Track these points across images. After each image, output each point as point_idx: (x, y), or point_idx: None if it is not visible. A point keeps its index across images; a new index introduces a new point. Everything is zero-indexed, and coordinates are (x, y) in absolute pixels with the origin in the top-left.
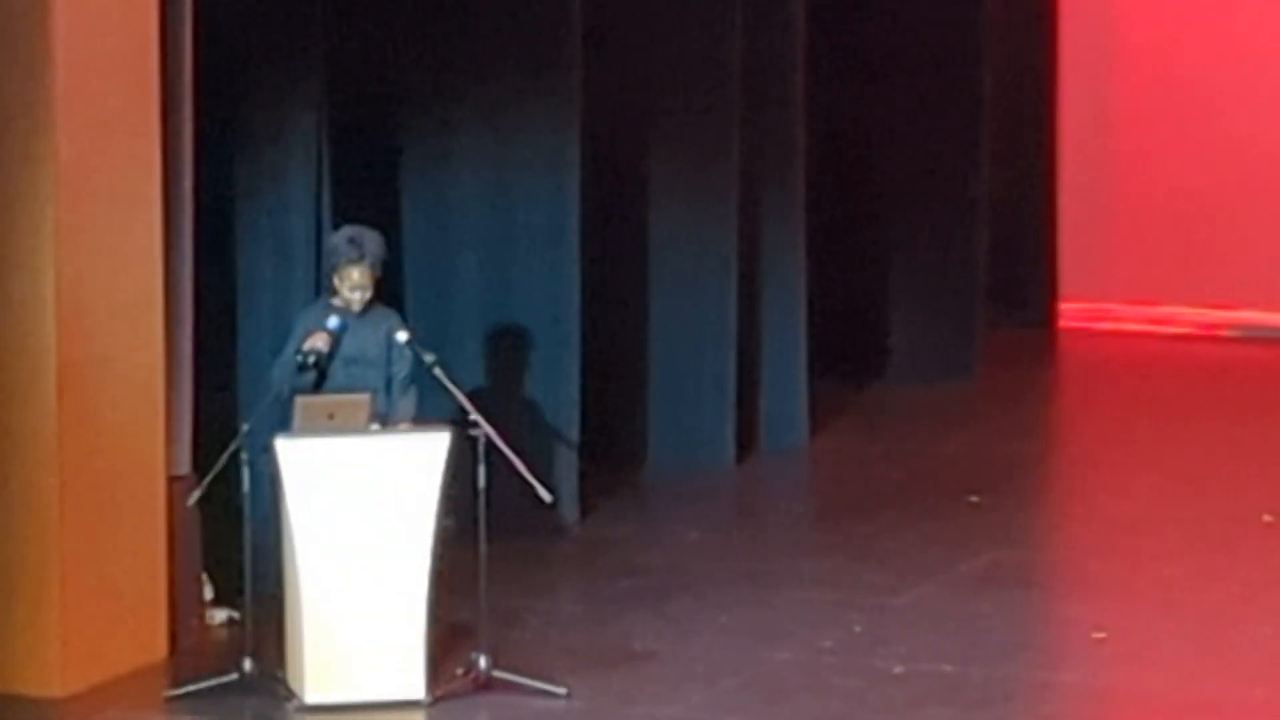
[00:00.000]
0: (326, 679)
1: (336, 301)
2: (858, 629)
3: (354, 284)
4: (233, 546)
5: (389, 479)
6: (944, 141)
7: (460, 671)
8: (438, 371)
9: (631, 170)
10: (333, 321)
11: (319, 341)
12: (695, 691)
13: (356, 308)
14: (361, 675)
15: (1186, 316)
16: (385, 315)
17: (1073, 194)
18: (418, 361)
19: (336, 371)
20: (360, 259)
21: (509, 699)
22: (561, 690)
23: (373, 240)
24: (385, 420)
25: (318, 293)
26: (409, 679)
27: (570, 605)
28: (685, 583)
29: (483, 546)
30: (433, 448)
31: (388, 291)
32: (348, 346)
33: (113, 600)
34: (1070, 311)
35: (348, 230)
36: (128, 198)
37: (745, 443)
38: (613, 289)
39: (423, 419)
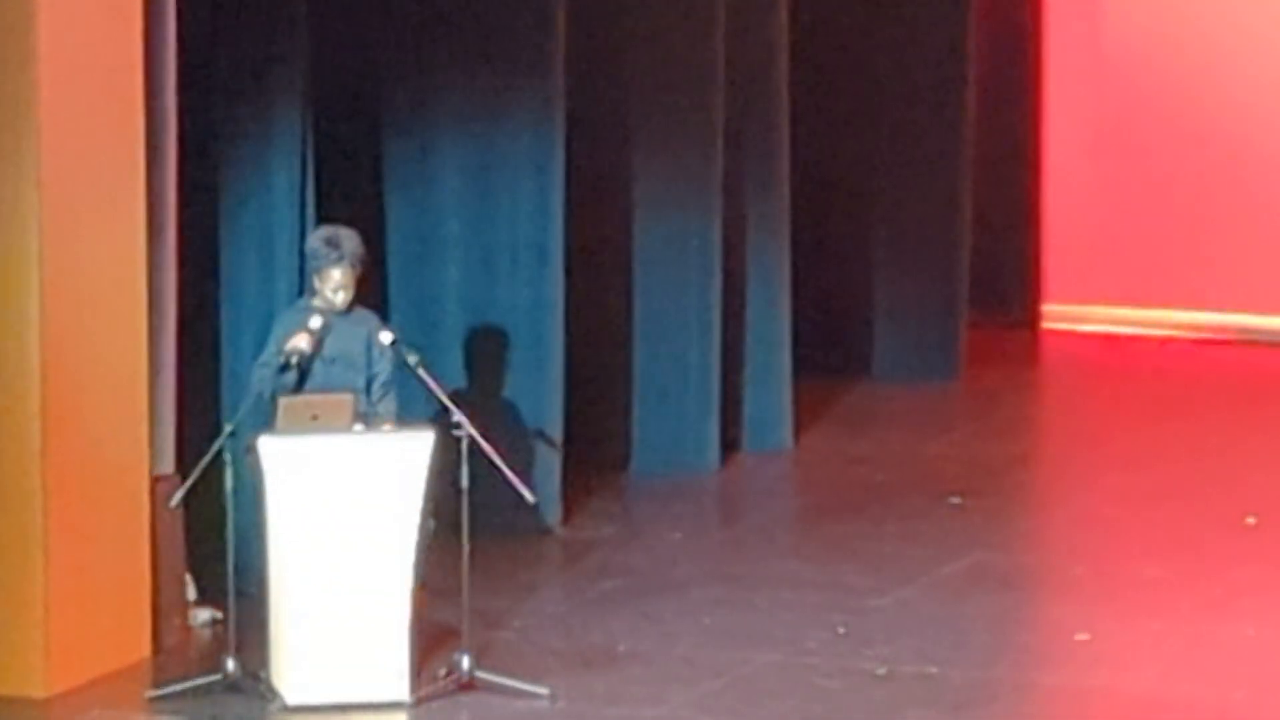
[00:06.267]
0: (309, 679)
1: (317, 302)
2: (841, 630)
3: (336, 285)
4: (216, 546)
5: (372, 479)
6: (928, 143)
7: (443, 672)
8: (421, 372)
9: (615, 171)
10: (315, 321)
11: (301, 341)
12: (678, 692)
13: (340, 307)
14: (344, 676)
15: (1170, 318)
16: (366, 316)
17: (1056, 195)
18: (401, 362)
19: (317, 372)
20: (340, 259)
21: (491, 700)
22: (544, 691)
23: (350, 239)
24: (367, 421)
25: (301, 293)
26: (392, 680)
27: (553, 606)
28: (668, 584)
29: (465, 547)
30: (416, 448)
31: (372, 293)
32: (329, 347)
33: (96, 600)
34: (1053, 313)
35: (324, 231)
36: (110, 197)
37: (728, 444)
38: (596, 290)
39: (406, 420)
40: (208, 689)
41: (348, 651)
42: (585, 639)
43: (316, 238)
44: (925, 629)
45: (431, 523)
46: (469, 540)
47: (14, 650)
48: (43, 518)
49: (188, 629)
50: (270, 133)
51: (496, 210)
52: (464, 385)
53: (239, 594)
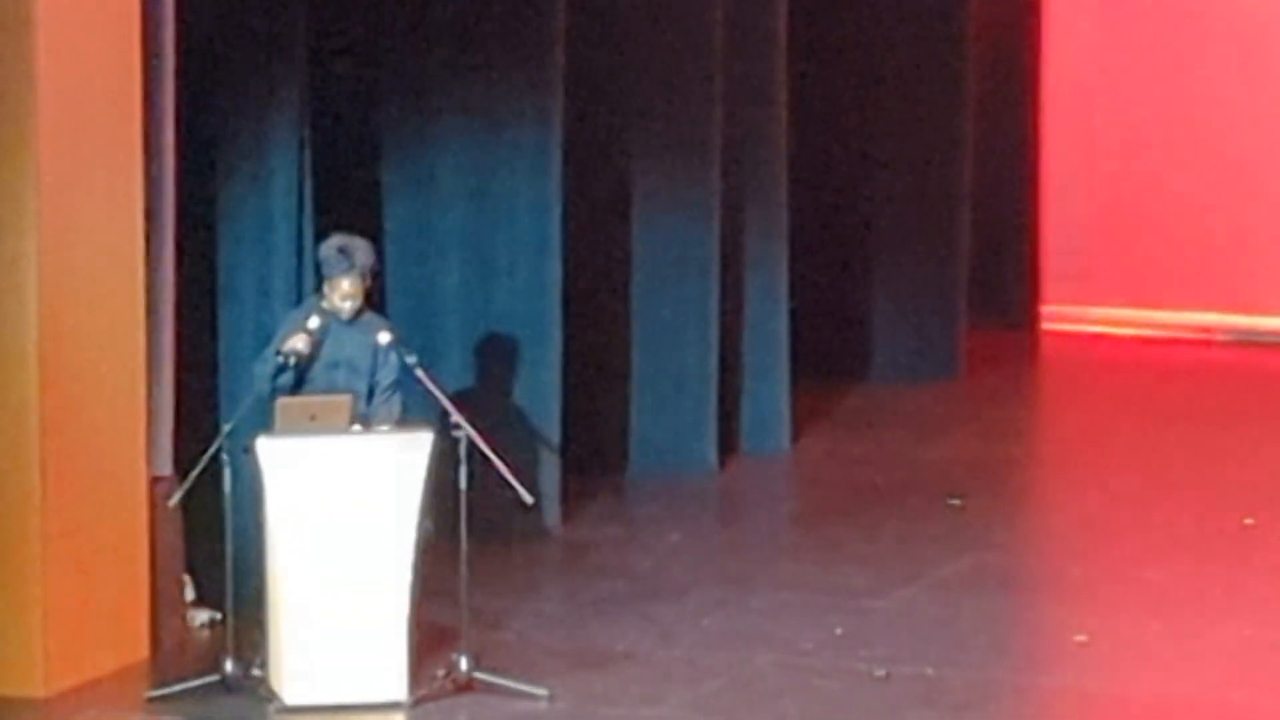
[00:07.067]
0: (307, 680)
1: (325, 305)
2: (839, 631)
3: (344, 293)
4: (214, 547)
5: (371, 480)
6: (927, 144)
7: (441, 673)
8: (420, 373)
9: (613, 172)
10: (313, 322)
11: (298, 342)
12: (677, 693)
13: (346, 316)
14: (342, 676)
15: (1168, 319)
16: (375, 323)
17: (1055, 196)
18: (401, 365)
19: (319, 375)
20: (350, 269)
21: (490, 700)
22: (543, 692)
23: (362, 250)
24: (366, 423)
25: (299, 294)
26: (390, 680)
27: (552, 607)
28: (667, 585)
29: (464, 548)
30: (415, 449)
31: (371, 294)
32: (332, 351)
33: (94, 601)
34: (1052, 314)
35: (336, 240)
36: (109, 198)
37: (727, 445)
38: (595, 292)
39: (405, 421)
40: (206, 690)
41: (346, 652)
42: (584, 640)
43: (330, 246)
44: (924, 630)
45: (430, 523)
46: (468, 541)
47: (13, 650)
48: (41, 518)
49: (186, 629)
50: (269, 132)
51: (495, 211)
52: (464, 387)
53: (237, 595)
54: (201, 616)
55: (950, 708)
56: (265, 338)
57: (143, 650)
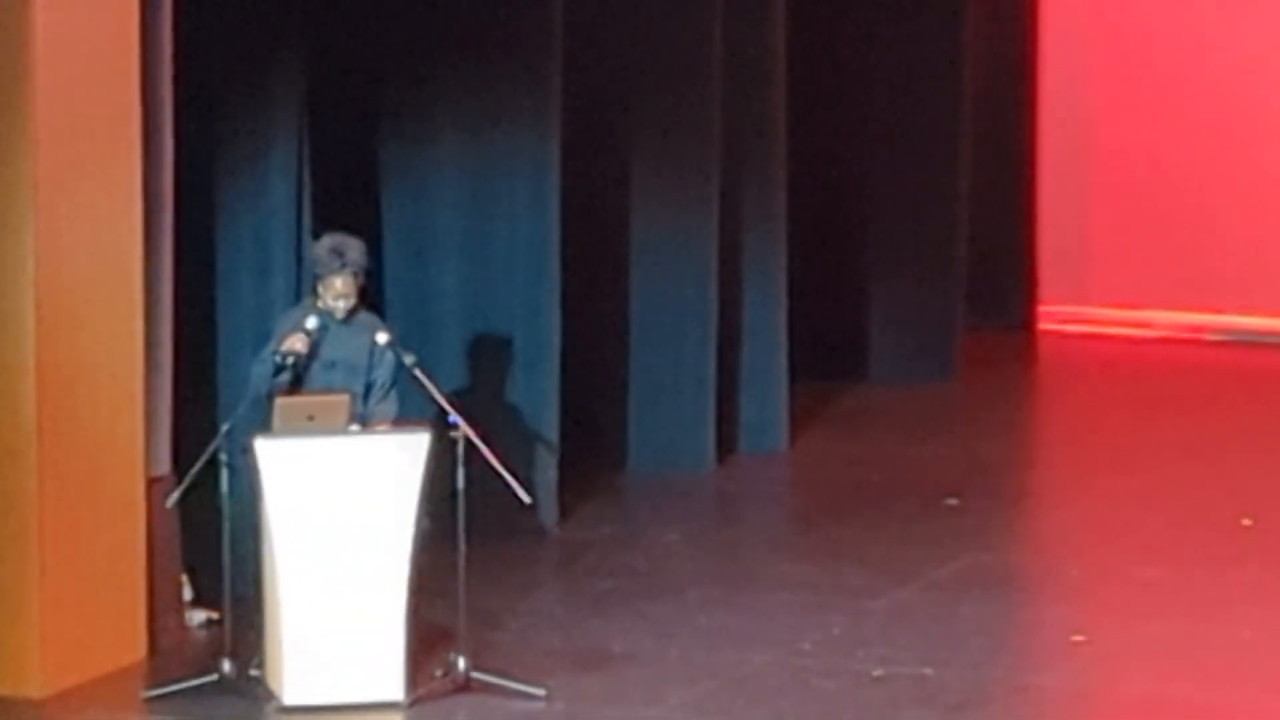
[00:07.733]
0: (305, 680)
1: (320, 305)
2: (837, 631)
3: (337, 293)
4: (212, 547)
5: (368, 480)
6: (924, 145)
7: (439, 673)
8: (418, 372)
9: (612, 172)
10: (311, 322)
11: (297, 343)
12: (674, 693)
13: (340, 315)
14: (340, 676)
15: (1165, 320)
16: (371, 322)
17: (1052, 197)
18: (398, 364)
19: (316, 375)
20: (343, 268)
21: (488, 700)
22: (540, 691)
23: (355, 249)
24: (364, 422)
25: (297, 295)
26: (387, 680)
27: (549, 607)
28: (664, 585)
29: (462, 548)
30: (412, 449)
31: (369, 293)
32: (329, 351)
33: (92, 601)
34: (1050, 314)
35: (329, 239)
36: (107, 198)
37: (725, 445)
38: (593, 291)
39: (403, 420)
40: (203, 690)
41: (344, 652)
42: (582, 639)
43: (322, 246)
44: (921, 630)
45: (428, 523)
46: (465, 540)
47: (10, 651)
48: (39, 518)
49: (184, 630)
50: (267, 133)
51: (494, 211)
52: (461, 386)
53: (235, 595)
54: (199, 616)
55: (947, 707)
56: (264, 338)
57: (140, 650)
